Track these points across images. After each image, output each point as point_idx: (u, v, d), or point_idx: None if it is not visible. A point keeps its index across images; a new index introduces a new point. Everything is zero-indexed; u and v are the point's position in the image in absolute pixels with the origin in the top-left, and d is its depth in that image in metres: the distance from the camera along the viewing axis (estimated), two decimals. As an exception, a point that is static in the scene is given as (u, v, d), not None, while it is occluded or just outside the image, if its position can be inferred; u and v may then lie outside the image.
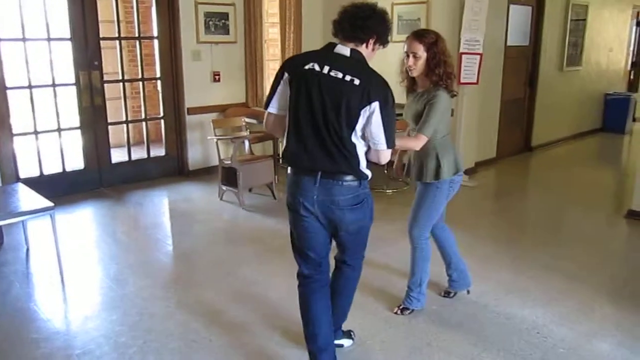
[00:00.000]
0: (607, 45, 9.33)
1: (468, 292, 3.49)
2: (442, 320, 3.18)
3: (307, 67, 2.33)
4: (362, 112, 2.28)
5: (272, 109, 2.46)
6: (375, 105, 2.27)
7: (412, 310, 3.26)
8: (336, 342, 2.76)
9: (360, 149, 2.38)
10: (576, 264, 3.98)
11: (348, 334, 2.95)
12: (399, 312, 3.26)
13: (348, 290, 2.79)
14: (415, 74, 2.93)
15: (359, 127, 2.31)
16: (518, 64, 7.34)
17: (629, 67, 10.54)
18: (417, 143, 2.92)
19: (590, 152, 8.57)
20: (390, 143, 2.35)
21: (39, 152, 5.42)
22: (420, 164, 3.05)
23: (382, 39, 2.44)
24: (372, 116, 2.28)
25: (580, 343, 2.96)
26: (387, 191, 5.81)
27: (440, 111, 2.89)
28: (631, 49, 10.43)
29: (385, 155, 2.39)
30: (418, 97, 2.99)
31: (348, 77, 2.28)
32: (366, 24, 2.35)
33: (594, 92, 9.31)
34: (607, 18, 9.07)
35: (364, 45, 2.39)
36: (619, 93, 9.65)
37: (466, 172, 6.27)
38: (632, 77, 10.69)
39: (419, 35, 2.90)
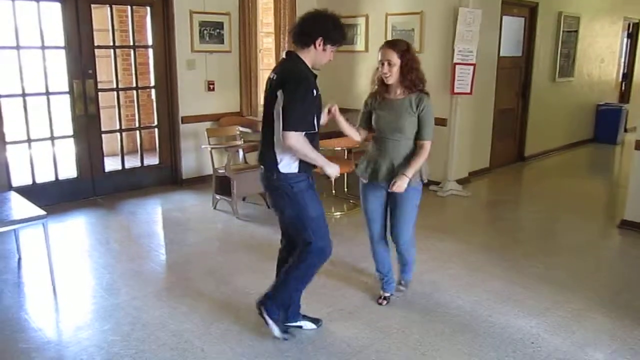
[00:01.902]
0: (599, 57, 9.41)
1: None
2: (436, 330, 3.17)
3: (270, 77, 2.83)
4: (276, 103, 2.66)
5: None
6: (280, 93, 2.64)
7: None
8: (293, 323, 3.08)
9: (280, 145, 2.69)
10: (570, 274, 4.00)
11: (312, 319, 3.17)
12: (383, 302, 3.45)
13: (285, 273, 2.96)
14: (391, 80, 3.09)
15: (276, 116, 2.67)
16: (511, 75, 7.40)
17: (620, 79, 10.63)
18: (426, 152, 3.14)
19: (583, 162, 8.63)
20: (288, 126, 2.60)
21: (31, 161, 5.40)
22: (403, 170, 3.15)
23: (331, 39, 2.73)
24: (279, 103, 2.64)
25: (574, 353, 2.96)
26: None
27: (432, 115, 3.14)
28: (622, 60, 10.52)
29: (287, 138, 2.61)
30: (399, 104, 3.12)
31: (273, 75, 2.76)
32: (306, 28, 2.72)
33: (586, 103, 9.38)
34: (599, 30, 9.16)
35: (312, 46, 2.71)
36: (611, 104, 9.73)
37: (460, 181, 6.29)
38: (623, 88, 10.78)
39: (393, 44, 3.10)
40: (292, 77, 2.64)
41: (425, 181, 3.25)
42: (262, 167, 2.84)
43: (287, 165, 2.73)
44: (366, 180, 3.29)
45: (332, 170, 2.87)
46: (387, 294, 3.52)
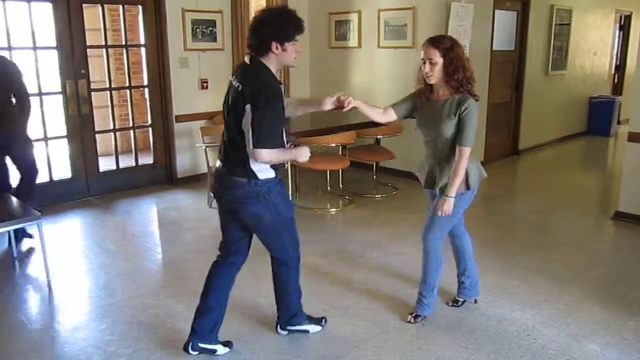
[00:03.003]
0: (591, 49, 9.44)
1: (475, 301, 3.45)
2: (432, 324, 3.19)
3: (229, 79, 2.70)
4: (244, 115, 2.52)
5: None
6: (249, 107, 2.50)
7: (425, 317, 3.23)
8: (299, 327, 3.07)
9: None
10: (564, 266, 4.02)
11: (316, 320, 3.14)
12: (412, 320, 3.21)
13: (286, 285, 3.00)
14: (433, 80, 2.88)
15: (244, 128, 2.53)
16: (504, 69, 7.42)
17: (613, 71, 10.67)
18: (464, 160, 2.89)
19: (577, 155, 8.66)
20: (260, 143, 2.49)
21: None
22: (446, 174, 2.98)
23: (284, 37, 2.54)
24: (247, 117, 2.50)
25: (569, 344, 2.98)
26: (376, 196, 5.83)
27: (476, 119, 2.88)
28: (615, 52, 10.56)
29: (260, 155, 2.50)
30: (440, 105, 2.92)
31: (237, 84, 2.59)
32: (256, 36, 2.56)
33: (579, 95, 9.42)
34: (591, 22, 9.19)
35: (270, 52, 2.56)
36: (604, 96, 9.77)
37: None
38: (616, 80, 10.82)
39: (435, 41, 2.86)
40: (262, 92, 2.49)
41: (472, 188, 3.04)
42: (228, 175, 2.68)
43: (264, 171, 2.62)
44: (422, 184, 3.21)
45: (304, 157, 2.70)
46: (457, 297, 3.43)
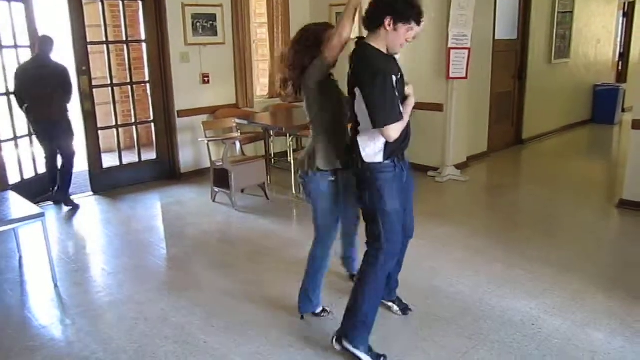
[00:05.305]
0: (595, 37, 9.37)
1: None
2: (436, 315, 3.19)
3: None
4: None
5: None
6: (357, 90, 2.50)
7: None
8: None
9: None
10: (569, 255, 4.00)
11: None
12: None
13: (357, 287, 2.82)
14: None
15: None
16: (507, 58, 7.37)
17: (617, 58, 10.59)
18: None
19: (581, 143, 8.62)
20: (375, 123, 2.43)
21: (31, 158, 5.40)
22: None
23: (402, 16, 2.37)
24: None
25: (574, 333, 2.97)
26: None
27: None
28: (618, 40, 10.48)
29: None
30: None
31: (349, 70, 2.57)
32: (374, 9, 2.43)
33: (583, 83, 9.36)
34: (594, 10, 9.11)
35: (382, 28, 2.41)
36: (608, 84, 9.71)
37: (458, 166, 6.29)
38: (620, 68, 10.75)
39: None
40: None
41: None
42: None
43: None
44: None
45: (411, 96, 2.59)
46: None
